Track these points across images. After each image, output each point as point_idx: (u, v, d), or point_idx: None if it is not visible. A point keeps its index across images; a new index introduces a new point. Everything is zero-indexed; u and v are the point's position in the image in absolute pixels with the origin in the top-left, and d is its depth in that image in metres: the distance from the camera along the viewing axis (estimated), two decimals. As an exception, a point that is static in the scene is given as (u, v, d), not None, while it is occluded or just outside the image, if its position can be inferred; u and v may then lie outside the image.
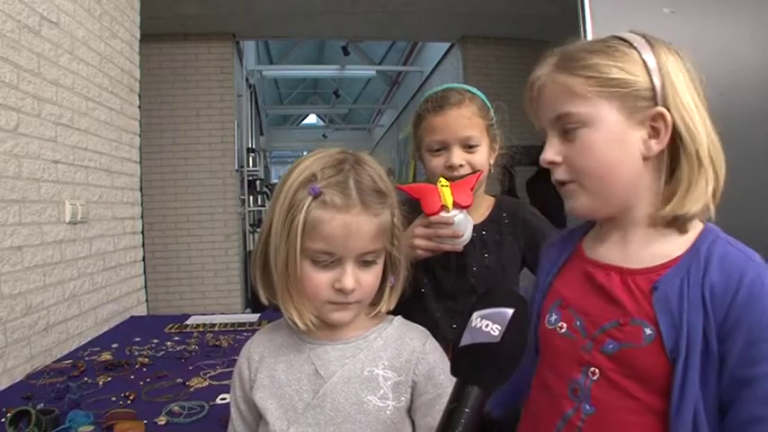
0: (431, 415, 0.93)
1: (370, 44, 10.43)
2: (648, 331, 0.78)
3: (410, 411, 0.94)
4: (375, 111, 15.62)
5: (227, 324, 2.46)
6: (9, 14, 1.93)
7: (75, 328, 2.36)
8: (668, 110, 0.81)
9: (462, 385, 0.72)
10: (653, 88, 0.82)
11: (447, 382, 0.94)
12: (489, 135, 1.42)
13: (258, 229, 6.21)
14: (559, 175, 0.88)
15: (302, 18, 5.99)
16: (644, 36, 0.86)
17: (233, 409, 1.00)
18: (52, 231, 2.21)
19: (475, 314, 0.76)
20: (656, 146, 0.82)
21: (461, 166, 1.37)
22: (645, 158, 0.83)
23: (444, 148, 1.39)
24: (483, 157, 1.40)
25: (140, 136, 3.23)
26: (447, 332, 1.32)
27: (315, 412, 0.89)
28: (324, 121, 18.41)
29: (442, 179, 1.30)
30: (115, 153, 2.86)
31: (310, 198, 0.85)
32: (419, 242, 1.28)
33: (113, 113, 2.84)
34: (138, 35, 3.23)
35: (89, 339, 2.35)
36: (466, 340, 0.75)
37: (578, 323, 0.86)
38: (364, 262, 0.90)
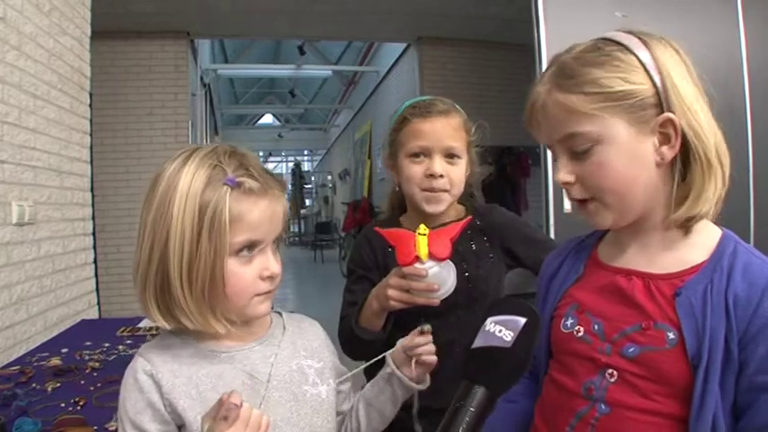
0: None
1: (327, 44, 10.43)
2: (671, 335, 0.78)
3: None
4: (331, 111, 15.64)
5: (182, 326, 2.42)
6: (-49, 9, 1.86)
7: (22, 333, 2.29)
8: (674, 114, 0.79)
9: (470, 385, 0.75)
10: (657, 93, 0.80)
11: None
12: (469, 153, 1.39)
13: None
14: (576, 194, 0.86)
15: (258, 17, 5.96)
16: (633, 33, 0.84)
17: None
18: (-2, 233, 2.14)
19: (489, 319, 0.79)
20: (669, 152, 0.81)
21: (441, 176, 1.32)
22: (658, 165, 0.82)
23: (426, 155, 1.34)
24: (461, 172, 1.36)
25: (91, 135, 3.16)
26: None
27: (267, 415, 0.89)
28: (280, 120, 18.35)
29: (421, 226, 1.18)
30: (64, 152, 2.78)
31: (229, 190, 0.82)
32: (392, 293, 1.18)
33: (63, 112, 2.77)
34: (89, 32, 3.16)
35: (37, 344, 2.28)
36: (478, 342, 0.79)
37: (596, 327, 0.86)
38: (275, 246, 0.91)
